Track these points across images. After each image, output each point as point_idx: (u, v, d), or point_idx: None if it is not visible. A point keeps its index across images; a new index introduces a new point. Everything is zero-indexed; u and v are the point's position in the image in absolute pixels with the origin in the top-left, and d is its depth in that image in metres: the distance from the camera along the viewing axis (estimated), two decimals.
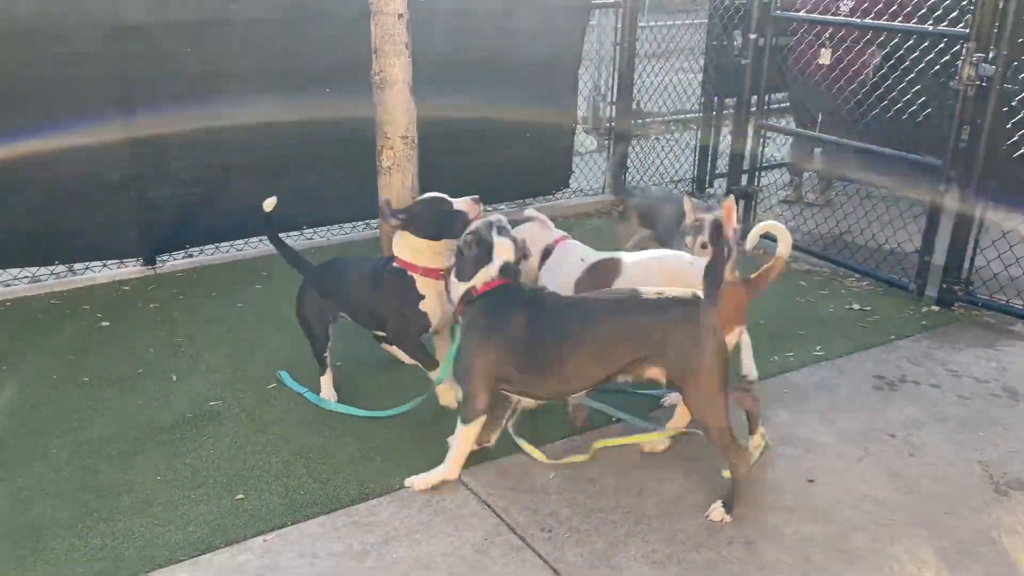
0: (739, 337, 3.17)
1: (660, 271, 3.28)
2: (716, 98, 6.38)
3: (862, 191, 5.49)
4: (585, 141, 7.59)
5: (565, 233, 3.59)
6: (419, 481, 3.07)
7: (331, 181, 5.33)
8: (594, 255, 3.47)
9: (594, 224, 6.07)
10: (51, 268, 4.88)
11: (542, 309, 2.96)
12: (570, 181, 6.48)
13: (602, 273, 3.37)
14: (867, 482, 3.13)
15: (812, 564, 2.72)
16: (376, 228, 5.27)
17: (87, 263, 4.95)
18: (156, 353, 4.04)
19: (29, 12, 4.37)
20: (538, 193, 6.36)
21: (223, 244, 5.30)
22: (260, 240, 5.30)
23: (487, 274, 3.02)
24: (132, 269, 4.98)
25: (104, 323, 4.35)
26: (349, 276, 3.61)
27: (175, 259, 5.13)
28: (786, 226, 5.73)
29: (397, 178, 4.27)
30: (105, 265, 4.98)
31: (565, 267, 3.45)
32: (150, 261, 5.02)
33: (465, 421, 3.02)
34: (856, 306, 4.66)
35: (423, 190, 4.40)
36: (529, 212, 3.62)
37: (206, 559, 2.71)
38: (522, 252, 3.14)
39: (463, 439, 3.06)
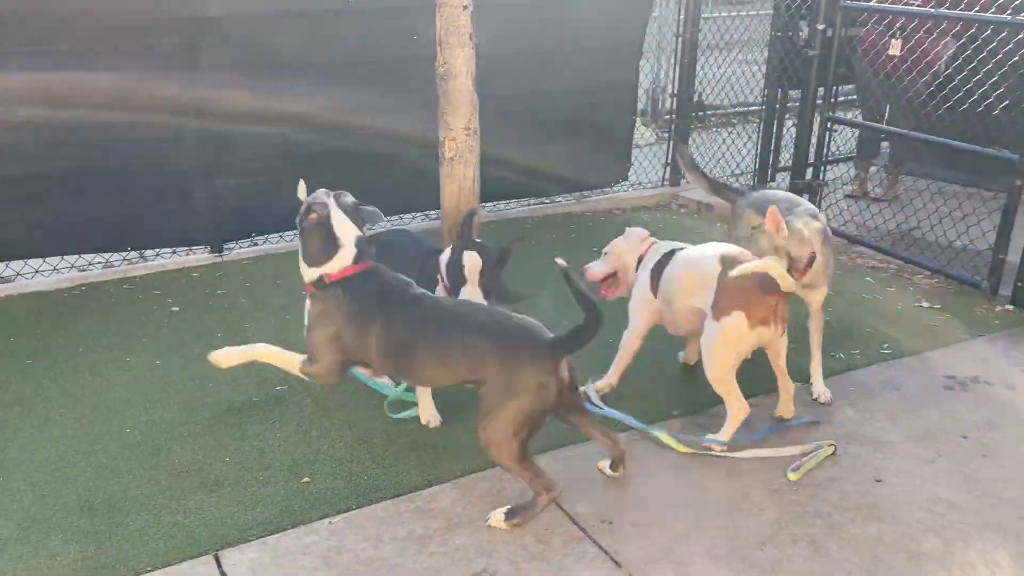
0: (738, 327, 3.09)
1: (690, 269, 3.32)
2: (780, 90, 6.28)
3: (933, 186, 5.33)
4: (645, 134, 7.54)
5: (653, 239, 3.66)
6: (221, 355, 3.08)
7: (393, 172, 5.39)
8: (673, 246, 3.55)
9: (654, 216, 6.03)
10: (124, 254, 5.04)
11: (403, 306, 2.90)
12: (629, 174, 6.44)
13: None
14: (938, 483, 3.06)
15: (880, 565, 2.67)
16: (435, 219, 5.31)
17: (157, 250, 5.10)
18: (224, 338, 4.13)
19: (109, 4, 4.52)
20: (596, 185, 6.34)
21: (287, 233, 5.40)
22: None
23: (342, 260, 2.90)
24: (200, 256, 5.11)
25: (174, 308, 4.48)
26: (394, 251, 3.64)
27: (241, 247, 5.24)
28: (852, 221, 5.63)
29: (459, 169, 4.29)
30: (175, 252, 5.12)
31: (648, 268, 3.55)
32: (217, 248, 5.15)
33: (303, 364, 3.01)
34: (925, 303, 4.54)
35: (483, 182, 4.42)
36: (629, 230, 3.70)
37: (274, 539, 2.78)
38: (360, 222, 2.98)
39: (287, 362, 3.05)
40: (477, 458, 3.17)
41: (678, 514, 2.90)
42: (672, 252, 3.48)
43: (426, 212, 5.72)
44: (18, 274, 4.81)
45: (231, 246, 5.21)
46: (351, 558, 2.70)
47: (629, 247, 3.65)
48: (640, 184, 6.54)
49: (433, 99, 4.26)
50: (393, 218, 5.69)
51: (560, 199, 6.20)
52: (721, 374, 3.18)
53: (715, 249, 3.31)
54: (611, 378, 3.60)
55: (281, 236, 5.38)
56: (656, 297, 3.47)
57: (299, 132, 5.09)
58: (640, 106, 7.46)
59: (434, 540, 2.78)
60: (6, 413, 3.46)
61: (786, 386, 3.38)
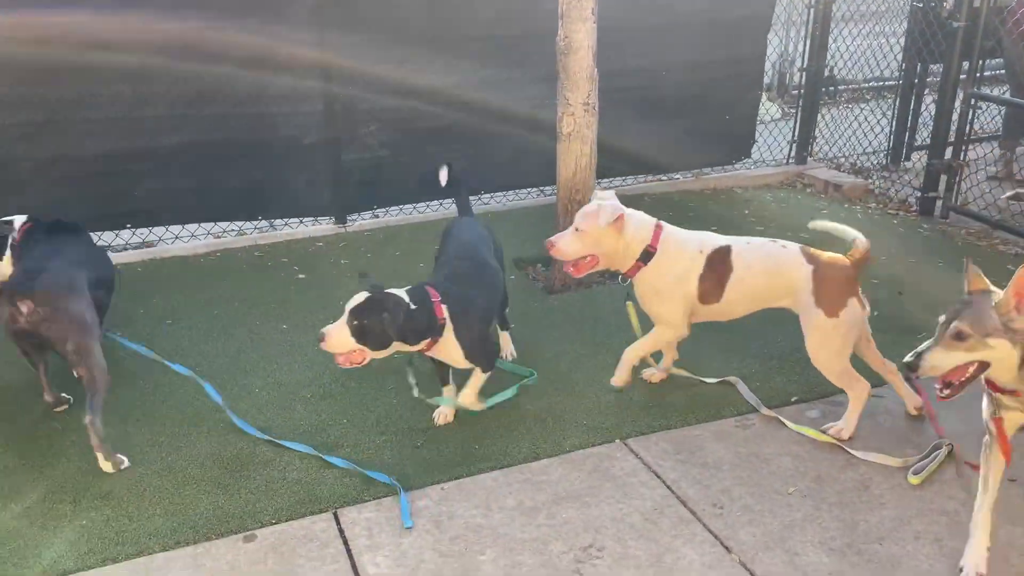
0: (855, 313, 3.04)
1: (760, 257, 3.19)
2: (919, 64, 5.92)
3: None
4: (770, 109, 7.30)
5: (653, 221, 3.27)
6: None
7: (511, 148, 5.42)
8: (711, 241, 3.26)
9: (777, 196, 5.83)
10: (255, 222, 5.29)
11: None
12: (752, 151, 6.25)
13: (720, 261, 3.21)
14: None
15: (1011, 568, 2.52)
16: (551, 195, 5.31)
17: (286, 219, 5.33)
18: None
19: None
20: (717, 162, 6.19)
21: (406, 206, 5.53)
22: (440, 203, 5.49)
23: None
24: (325, 226, 5.31)
25: (300, 275, 4.68)
26: (461, 243, 3.53)
27: (363, 219, 5.41)
28: (994, 204, 5.27)
29: (576, 145, 4.28)
30: (301, 222, 5.34)
31: (681, 264, 3.19)
32: (341, 220, 5.33)
33: None
34: None
35: (601, 158, 4.38)
36: (631, 216, 3.23)
37: (389, 501, 2.88)
38: None
39: None
40: (586, 434, 3.19)
41: (792, 502, 2.83)
42: (723, 250, 3.18)
43: (541, 188, 5.73)
44: (160, 239, 5.14)
45: (354, 217, 5.39)
46: (461, 524, 2.77)
47: (613, 232, 3.14)
48: (763, 162, 6.33)
49: (552, 74, 4.24)
50: (509, 193, 5.73)
51: (678, 176, 6.09)
52: (843, 365, 3.11)
53: (789, 247, 3.17)
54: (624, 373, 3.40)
55: (401, 209, 5.52)
56: (714, 303, 3.18)
57: (422, 107, 5.18)
58: (766, 80, 7.21)
59: (542, 512, 2.81)
60: (147, 370, 3.71)
61: (889, 367, 3.25)
